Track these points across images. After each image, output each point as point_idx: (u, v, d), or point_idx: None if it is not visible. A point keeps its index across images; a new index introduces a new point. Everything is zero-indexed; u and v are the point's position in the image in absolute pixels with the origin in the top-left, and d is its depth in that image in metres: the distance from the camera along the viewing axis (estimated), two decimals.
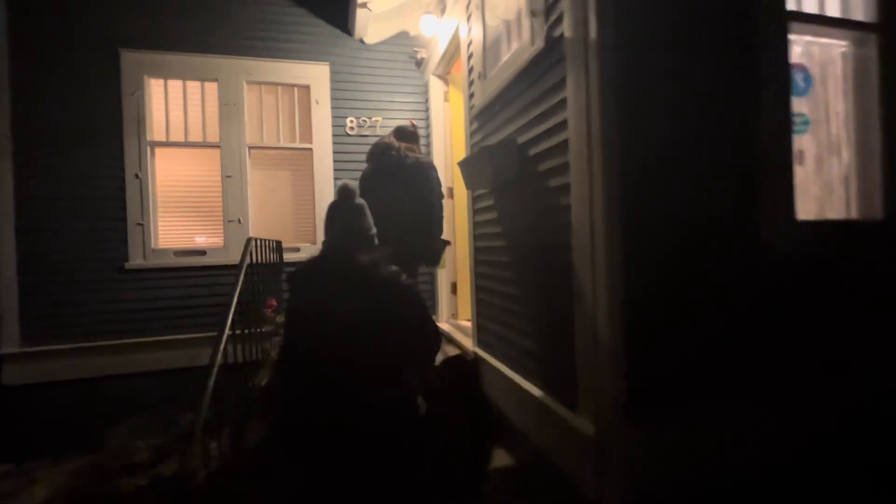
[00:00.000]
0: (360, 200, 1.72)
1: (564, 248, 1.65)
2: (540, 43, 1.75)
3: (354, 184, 1.72)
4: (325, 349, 1.39)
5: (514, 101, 2.07)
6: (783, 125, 1.61)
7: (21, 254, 3.36)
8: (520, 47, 2.01)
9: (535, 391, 1.92)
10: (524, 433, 2.08)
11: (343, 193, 1.68)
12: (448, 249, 3.78)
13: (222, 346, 1.90)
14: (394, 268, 1.48)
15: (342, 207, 1.65)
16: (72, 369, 3.43)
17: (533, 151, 1.91)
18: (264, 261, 3.10)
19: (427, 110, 4.01)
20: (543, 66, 1.77)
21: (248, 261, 2.50)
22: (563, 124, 1.64)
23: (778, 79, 1.60)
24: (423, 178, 2.70)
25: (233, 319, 2.06)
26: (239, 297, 2.20)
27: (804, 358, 1.62)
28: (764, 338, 1.57)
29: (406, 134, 2.85)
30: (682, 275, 1.49)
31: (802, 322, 1.62)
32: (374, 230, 1.71)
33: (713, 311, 1.52)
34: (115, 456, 2.38)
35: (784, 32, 1.63)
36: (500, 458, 2.22)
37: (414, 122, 3.08)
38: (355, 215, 1.65)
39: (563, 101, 1.62)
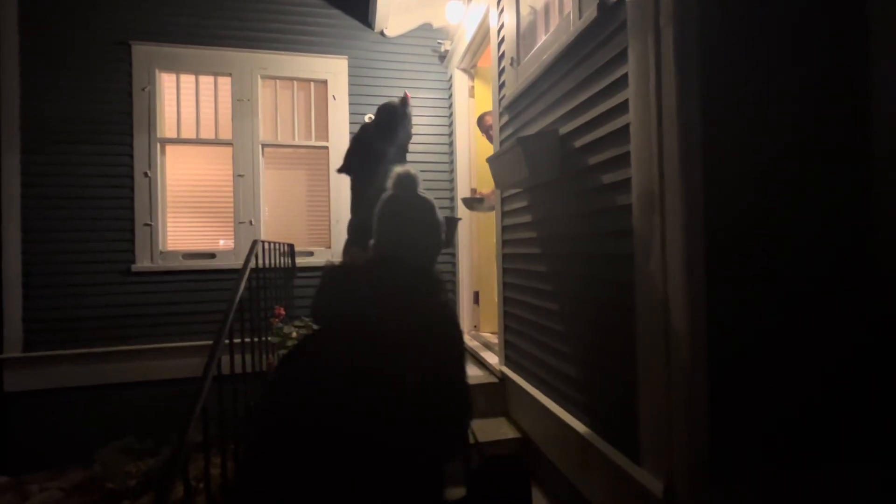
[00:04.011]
0: (427, 196, 1.18)
1: (622, 259, 1.36)
2: (591, 12, 1.47)
3: (418, 172, 1.18)
4: (345, 377, 1.01)
5: (555, 86, 1.79)
6: None
7: (25, 254, 3.21)
8: (563, 22, 1.73)
9: (579, 427, 1.62)
10: (561, 471, 1.77)
11: (405, 183, 1.14)
12: (470, 255, 3.52)
13: (216, 359, 1.65)
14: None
15: (406, 202, 1.15)
16: (76, 376, 3.25)
17: (579, 143, 1.62)
18: (275, 265, 2.87)
19: (450, 107, 3.75)
20: (595, 39, 1.48)
21: (252, 264, 2.26)
22: (621, 107, 1.35)
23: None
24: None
25: (231, 328, 1.83)
26: (241, 303, 1.96)
27: None
28: (883, 375, 1.23)
29: (385, 120, 2.32)
30: (781, 294, 1.17)
31: None
32: (444, 243, 1.24)
33: (819, 340, 1.19)
34: (101, 480, 2.16)
35: None
36: (535, 500, 1.92)
37: (408, 94, 2.72)
38: (430, 221, 1.14)
39: (623, 79, 1.33)
